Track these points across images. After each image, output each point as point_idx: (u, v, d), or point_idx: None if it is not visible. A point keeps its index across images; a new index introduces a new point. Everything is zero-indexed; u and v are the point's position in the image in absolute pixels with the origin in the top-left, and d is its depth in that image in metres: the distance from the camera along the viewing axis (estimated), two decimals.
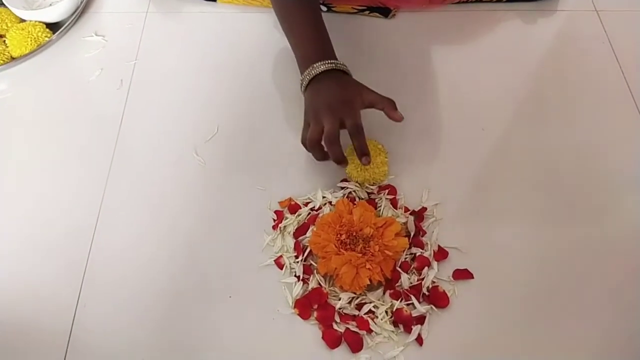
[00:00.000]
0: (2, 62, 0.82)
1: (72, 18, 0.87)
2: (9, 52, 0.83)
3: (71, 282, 0.64)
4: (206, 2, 0.90)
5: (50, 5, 0.86)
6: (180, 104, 0.79)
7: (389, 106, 0.67)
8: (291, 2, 0.72)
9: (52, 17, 0.86)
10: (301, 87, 0.69)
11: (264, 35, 0.86)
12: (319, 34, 0.71)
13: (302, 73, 0.69)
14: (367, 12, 0.87)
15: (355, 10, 0.87)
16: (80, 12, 0.89)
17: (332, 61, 0.68)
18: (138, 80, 0.82)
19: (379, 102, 0.67)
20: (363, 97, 0.67)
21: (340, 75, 0.68)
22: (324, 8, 0.87)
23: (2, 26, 0.84)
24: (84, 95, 0.81)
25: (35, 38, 0.83)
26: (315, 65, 0.67)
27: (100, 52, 0.85)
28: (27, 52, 0.83)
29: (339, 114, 0.64)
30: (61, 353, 0.60)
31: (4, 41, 0.84)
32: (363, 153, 0.64)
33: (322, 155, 0.66)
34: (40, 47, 0.83)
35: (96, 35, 0.87)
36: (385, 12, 0.87)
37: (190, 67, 0.83)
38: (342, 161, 0.65)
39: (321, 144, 0.65)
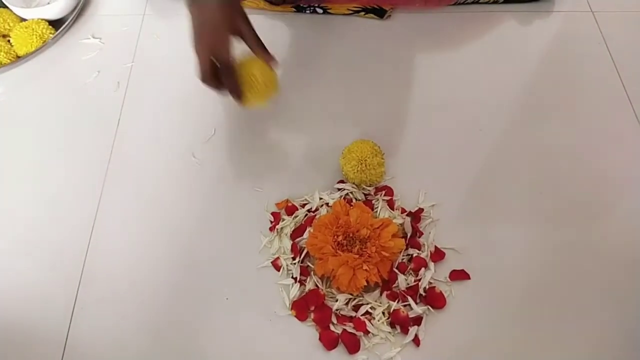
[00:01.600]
0: (8, 61, 0.82)
1: (73, 14, 0.88)
2: (14, 51, 0.84)
3: (68, 283, 0.64)
4: None
5: (49, 3, 0.86)
6: (177, 106, 0.79)
7: (259, 50, 0.64)
8: None
9: (53, 14, 0.87)
10: None
11: (261, 37, 0.86)
12: None
13: None
14: (362, 13, 0.88)
15: (351, 12, 0.88)
16: (80, 8, 0.89)
17: None
18: (135, 82, 0.82)
19: (248, 37, 0.64)
20: (234, 24, 0.62)
21: None
22: (319, 10, 0.88)
23: (4, 26, 0.85)
24: (81, 97, 0.81)
25: (40, 35, 0.83)
26: None
27: (97, 54, 0.85)
28: (33, 49, 0.83)
29: (208, 48, 0.61)
30: (58, 354, 0.60)
31: (8, 41, 0.84)
32: (233, 93, 0.62)
33: (217, 89, 0.63)
34: (45, 45, 0.84)
35: (93, 37, 0.87)
36: (380, 13, 0.87)
37: (187, 69, 0.82)
38: (236, 95, 0.62)
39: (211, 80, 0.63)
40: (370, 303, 0.61)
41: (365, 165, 0.67)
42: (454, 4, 0.88)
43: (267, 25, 0.87)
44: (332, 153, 0.71)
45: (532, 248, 0.66)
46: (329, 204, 0.67)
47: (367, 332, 0.59)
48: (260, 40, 0.65)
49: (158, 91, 0.81)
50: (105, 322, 0.62)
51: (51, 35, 0.85)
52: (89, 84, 0.82)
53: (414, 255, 0.64)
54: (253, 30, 0.65)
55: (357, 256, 0.59)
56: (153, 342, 0.61)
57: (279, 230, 0.67)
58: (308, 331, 0.60)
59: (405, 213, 0.67)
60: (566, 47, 0.85)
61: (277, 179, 0.71)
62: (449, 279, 0.63)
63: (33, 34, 0.83)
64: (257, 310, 0.62)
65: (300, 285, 0.62)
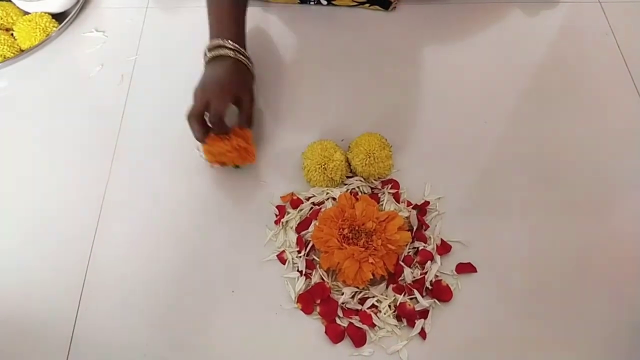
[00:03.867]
0: (12, 54, 0.82)
1: (76, 7, 0.87)
2: (18, 45, 0.84)
3: (74, 279, 0.64)
4: None
5: None
6: (181, 99, 0.78)
7: (243, 118, 0.68)
8: None
9: (56, 7, 0.86)
10: (204, 60, 0.70)
11: (265, 30, 0.85)
12: (238, 20, 0.71)
13: (207, 47, 0.70)
14: (367, 4, 0.87)
15: (356, 3, 0.87)
16: (83, 1, 0.89)
17: (239, 49, 0.68)
18: (139, 75, 0.82)
19: (243, 107, 0.67)
20: (238, 92, 0.67)
21: (233, 63, 0.68)
22: (324, 2, 0.87)
23: (8, 20, 0.85)
24: (84, 91, 0.81)
25: (43, 28, 0.83)
26: (220, 44, 0.68)
27: (101, 47, 0.85)
28: (37, 42, 0.83)
29: (207, 96, 0.65)
30: (64, 351, 0.60)
31: (12, 34, 0.84)
32: (201, 139, 0.65)
33: (196, 132, 0.66)
34: (49, 38, 0.84)
35: (97, 31, 0.87)
36: (385, 4, 0.86)
37: (191, 62, 0.82)
38: (199, 139, 0.66)
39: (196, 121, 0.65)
40: (377, 296, 0.61)
41: (374, 159, 0.67)
42: None
43: (271, 17, 0.86)
44: (339, 146, 0.71)
45: (538, 241, 0.66)
46: (335, 197, 0.67)
47: (373, 326, 0.59)
48: (252, 119, 0.69)
49: (162, 84, 0.81)
50: (111, 316, 0.62)
51: (54, 28, 0.85)
52: (93, 77, 0.82)
53: (420, 248, 0.64)
54: (251, 106, 0.69)
55: (363, 249, 0.59)
56: (159, 335, 0.61)
57: (284, 224, 0.66)
58: (314, 324, 0.60)
59: (411, 206, 0.67)
60: (573, 38, 0.84)
61: (282, 172, 0.71)
62: (455, 272, 0.63)
63: (36, 28, 0.83)
64: (263, 303, 0.62)
65: (306, 279, 0.62)
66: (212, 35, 0.70)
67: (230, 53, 0.68)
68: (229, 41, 0.68)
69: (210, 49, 0.68)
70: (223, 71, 0.67)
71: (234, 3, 0.71)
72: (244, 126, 0.68)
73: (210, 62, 0.69)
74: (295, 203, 0.68)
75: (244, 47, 0.70)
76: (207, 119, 0.65)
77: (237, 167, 0.70)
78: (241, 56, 0.69)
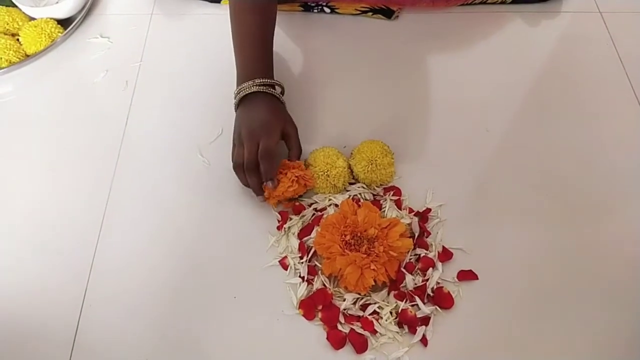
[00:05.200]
0: (17, 59, 0.83)
1: (81, 14, 0.88)
2: (23, 50, 0.84)
3: (77, 282, 0.65)
4: (210, 3, 0.90)
5: (57, 2, 0.87)
6: (185, 105, 0.79)
7: (295, 152, 0.68)
8: (249, 16, 0.70)
9: (61, 13, 0.87)
10: (234, 100, 0.69)
11: None
12: (264, 53, 0.70)
13: (237, 86, 0.69)
14: (370, 13, 0.88)
15: (359, 12, 0.88)
16: (89, 7, 0.90)
17: (268, 81, 0.68)
18: (143, 81, 0.82)
19: (293, 141, 0.68)
20: (284, 126, 0.67)
21: (270, 99, 0.68)
22: (327, 10, 0.88)
23: (14, 25, 0.85)
24: (89, 96, 0.81)
25: (48, 34, 0.84)
26: (248, 85, 0.67)
27: (106, 53, 0.86)
28: (42, 48, 0.84)
29: (257, 138, 0.64)
30: (67, 353, 0.60)
31: (18, 39, 0.85)
32: (266, 178, 0.64)
33: (245, 181, 0.66)
34: (54, 43, 0.84)
35: (101, 37, 0.88)
36: (388, 13, 0.87)
37: (194, 69, 0.83)
38: (256, 192, 0.66)
39: (253, 172, 0.65)
40: (378, 303, 0.61)
41: (376, 166, 0.67)
42: (462, 5, 0.88)
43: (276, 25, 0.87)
44: (342, 153, 0.71)
45: (539, 248, 0.66)
46: (337, 204, 0.67)
47: (374, 332, 0.59)
48: (301, 149, 0.69)
49: (166, 90, 0.81)
50: (113, 321, 0.62)
51: (60, 34, 0.86)
52: (97, 83, 0.82)
53: (422, 255, 0.64)
54: (297, 137, 0.69)
55: (365, 256, 0.59)
56: (161, 340, 0.61)
57: (286, 230, 0.67)
58: (315, 330, 0.61)
59: (413, 213, 0.67)
60: (574, 47, 0.85)
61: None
62: (456, 279, 0.63)
63: (42, 33, 0.84)
64: (265, 309, 0.62)
65: (308, 285, 0.63)
66: (242, 76, 0.69)
67: (262, 89, 0.67)
68: (259, 79, 0.67)
69: (240, 90, 0.68)
70: (262, 110, 0.66)
71: (270, 38, 0.71)
72: (295, 159, 0.68)
73: (243, 102, 0.68)
74: (298, 209, 0.68)
75: (272, 77, 0.70)
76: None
77: (300, 197, 0.69)
78: (272, 89, 0.68)
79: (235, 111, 0.69)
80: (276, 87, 0.69)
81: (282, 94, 0.71)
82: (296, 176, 0.65)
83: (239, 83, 0.69)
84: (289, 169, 0.66)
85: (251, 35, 0.70)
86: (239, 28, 0.70)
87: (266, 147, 0.64)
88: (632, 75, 0.81)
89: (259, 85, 0.67)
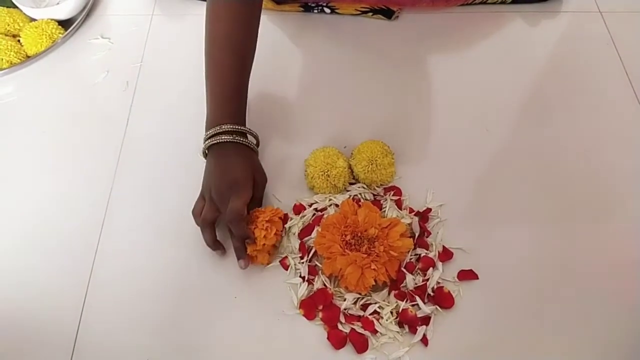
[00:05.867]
0: (18, 60, 0.83)
1: (82, 14, 0.88)
2: (24, 51, 0.84)
3: (78, 283, 0.65)
4: None
5: (58, 3, 0.87)
6: (186, 105, 0.79)
7: (258, 201, 0.66)
8: (224, 53, 0.66)
9: (62, 14, 0.87)
10: (202, 146, 0.66)
11: (268, 38, 0.86)
12: (237, 97, 0.67)
13: (206, 131, 0.65)
14: (370, 13, 0.88)
15: (359, 12, 0.88)
16: (89, 8, 0.90)
17: (239, 128, 0.64)
18: (144, 82, 0.82)
19: (257, 193, 0.65)
20: (254, 178, 0.64)
21: (240, 151, 0.64)
22: (327, 10, 0.88)
23: (14, 26, 0.86)
24: (90, 97, 0.82)
25: (49, 35, 0.84)
26: (217, 131, 0.63)
27: (106, 54, 0.86)
28: (43, 49, 0.84)
29: (224, 199, 0.62)
30: (67, 353, 0.60)
31: (19, 40, 0.85)
32: (240, 241, 0.62)
33: (213, 237, 0.64)
34: (55, 44, 0.85)
35: (102, 37, 0.88)
36: (388, 14, 0.87)
37: (195, 69, 0.83)
38: (212, 247, 0.64)
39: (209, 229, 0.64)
40: (379, 302, 0.61)
41: (376, 166, 0.67)
42: (462, 5, 0.88)
43: (274, 25, 0.87)
44: (342, 153, 0.71)
45: (540, 248, 0.66)
46: (337, 204, 0.68)
47: (375, 332, 0.60)
48: (261, 204, 0.67)
49: (166, 91, 0.81)
50: (114, 323, 0.62)
51: (61, 35, 0.86)
52: (98, 84, 0.83)
53: (422, 255, 0.64)
54: (263, 189, 0.67)
55: (365, 255, 0.59)
56: (162, 340, 0.61)
57: (287, 230, 0.67)
58: (316, 330, 0.61)
59: (413, 213, 0.67)
60: (574, 47, 0.85)
61: (285, 179, 0.71)
62: (457, 279, 0.63)
63: (43, 34, 0.84)
64: (266, 309, 0.62)
65: (309, 285, 0.63)
66: (210, 122, 0.65)
67: (229, 138, 0.63)
68: (230, 125, 0.64)
69: (209, 137, 0.64)
70: (232, 165, 0.63)
71: (245, 80, 0.68)
72: (256, 207, 0.65)
73: (212, 150, 0.65)
74: (298, 209, 0.68)
75: (244, 123, 0.67)
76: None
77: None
78: (244, 138, 0.65)
79: (204, 157, 0.67)
80: (248, 136, 0.66)
81: (257, 145, 0.68)
82: (269, 220, 0.63)
83: (207, 128, 0.65)
84: (258, 218, 0.63)
85: (224, 76, 0.66)
86: (211, 66, 0.67)
87: (232, 209, 0.60)
88: (632, 74, 0.81)
89: (230, 134, 0.63)
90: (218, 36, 0.66)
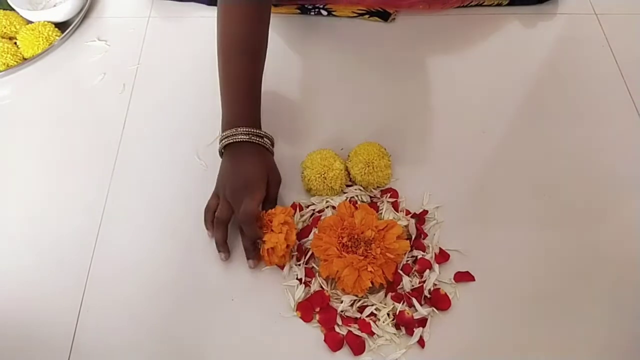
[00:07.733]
0: (15, 63, 0.83)
1: (79, 17, 0.88)
2: (21, 53, 0.84)
3: (75, 284, 0.65)
4: (208, 6, 0.90)
5: (55, 6, 0.87)
6: (183, 107, 0.79)
7: (268, 205, 0.65)
8: (238, 55, 0.67)
9: (59, 16, 0.87)
10: (218, 145, 0.67)
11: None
12: (251, 98, 0.67)
13: (222, 131, 0.66)
14: (367, 15, 0.88)
15: (356, 14, 0.88)
16: (86, 10, 0.90)
17: (253, 131, 0.65)
18: (140, 84, 0.82)
19: (271, 194, 0.65)
20: (268, 177, 0.65)
21: (256, 151, 0.65)
22: (324, 12, 0.88)
23: (11, 28, 0.85)
24: (87, 99, 0.82)
25: (46, 37, 0.84)
26: (233, 133, 0.64)
27: (103, 56, 0.86)
28: (40, 51, 0.84)
29: (241, 198, 0.62)
30: (65, 354, 0.60)
31: (15, 43, 0.85)
32: (253, 240, 0.62)
33: (224, 236, 0.64)
34: (51, 47, 0.85)
35: (99, 40, 0.88)
36: (384, 16, 0.88)
37: (192, 71, 0.83)
38: (219, 249, 0.64)
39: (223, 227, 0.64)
40: (375, 304, 0.61)
41: (373, 168, 0.67)
42: (458, 7, 0.89)
43: (270, 27, 0.87)
44: (339, 155, 0.71)
45: (536, 250, 0.66)
46: (334, 206, 0.68)
47: (372, 334, 0.60)
48: (275, 204, 0.67)
49: (163, 93, 0.81)
50: (111, 325, 0.62)
51: (57, 37, 0.86)
52: (95, 86, 0.83)
53: (419, 257, 0.64)
54: (277, 189, 0.67)
55: (362, 258, 0.59)
56: (159, 342, 0.61)
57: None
58: (313, 332, 0.61)
59: (410, 215, 0.68)
60: (570, 49, 0.86)
61: (282, 180, 0.71)
62: (453, 281, 0.64)
63: (39, 37, 0.84)
64: (262, 311, 0.62)
65: (305, 287, 0.63)
66: (226, 123, 0.66)
67: (262, 142, 0.65)
68: (247, 128, 0.64)
69: (225, 137, 0.65)
70: (248, 165, 0.64)
71: (258, 83, 0.68)
72: (270, 208, 0.65)
73: (228, 150, 0.65)
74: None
75: (259, 124, 0.67)
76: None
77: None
78: (260, 140, 0.65)
79: (220, 156, 0.68)
80: (264, 138, 0.66)
81: (272, 146, 0.68)
82: (282, 223, 0.62)
83: (224, 129, 0.66)
84: (271, 221, 0.63)
85: (240, 78, 0.66)
86: (226, 68, 0.67)
87: (245, 210, 0.61)
88: (627, 76, 0.81)
89: (246, 135, 0.64)
90: (234, 39, 0.67)
